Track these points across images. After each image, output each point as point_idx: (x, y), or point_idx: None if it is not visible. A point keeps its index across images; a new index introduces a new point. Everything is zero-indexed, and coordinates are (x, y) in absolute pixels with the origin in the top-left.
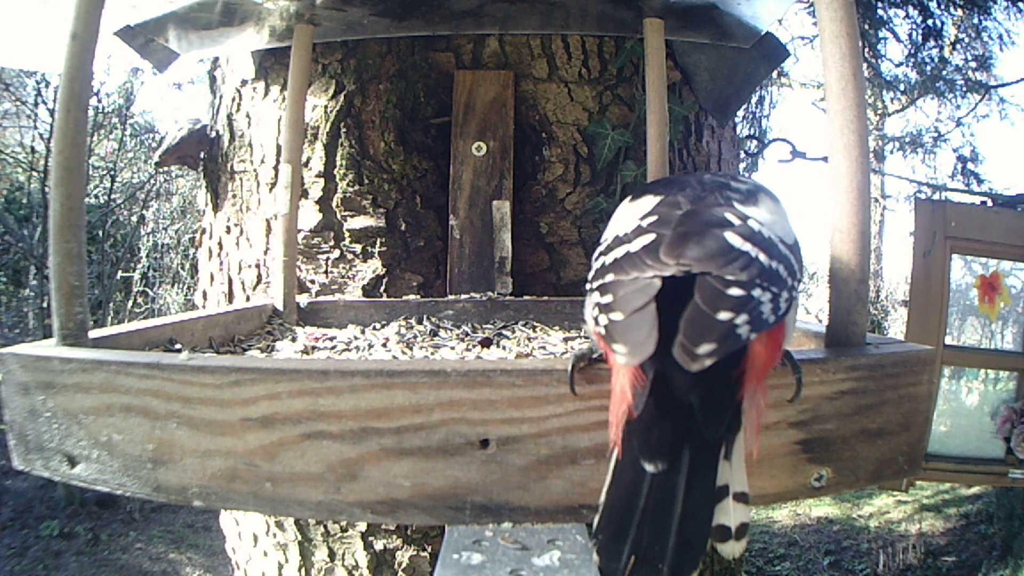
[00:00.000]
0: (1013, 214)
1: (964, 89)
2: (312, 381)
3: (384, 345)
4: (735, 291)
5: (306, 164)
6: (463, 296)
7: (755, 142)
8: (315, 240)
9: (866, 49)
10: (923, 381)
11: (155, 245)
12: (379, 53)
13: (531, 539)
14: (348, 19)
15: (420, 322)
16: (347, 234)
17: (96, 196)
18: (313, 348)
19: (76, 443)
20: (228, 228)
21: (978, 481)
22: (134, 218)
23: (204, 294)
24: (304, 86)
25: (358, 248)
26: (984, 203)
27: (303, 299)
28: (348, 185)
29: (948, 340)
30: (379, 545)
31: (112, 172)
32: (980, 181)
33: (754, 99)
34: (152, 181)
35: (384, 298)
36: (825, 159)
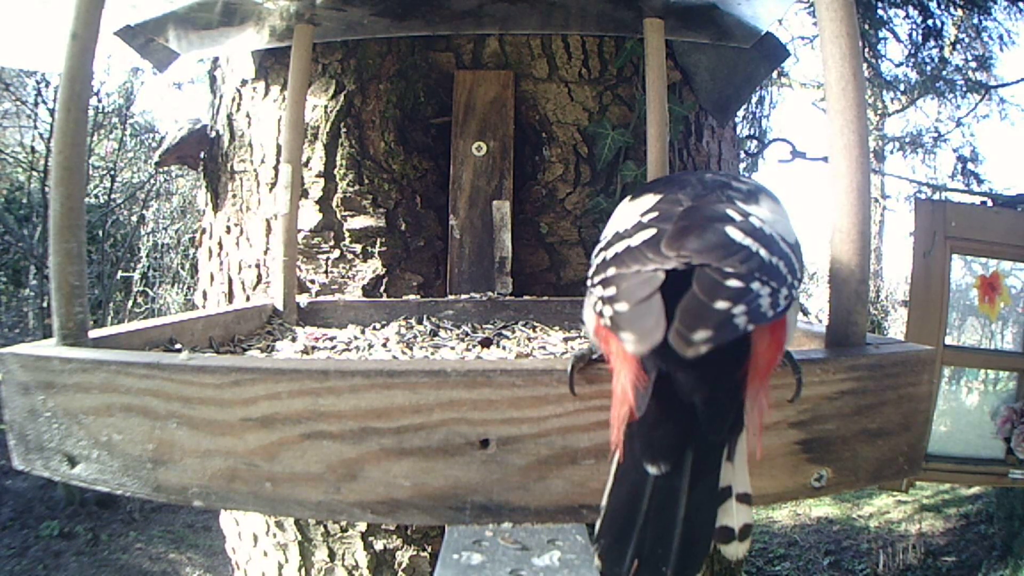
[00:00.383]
0: (1013, 214)
1: (964, 89)
2: (312, 381)
3: (384, 345)
4: (733, 283)
5: (306, 164)
6: (463, 296)
7: (755, 142)
8: (315, 240)
9: (866, 49)
10: (923, 381)
11: (155, 245)
12: (379, 53)
13: (531, 539)
14: (348, 19)
15: (420, 322)
16: (347, 234)
17: (96, 196)
18: (313, 348)
19: (76, 443)
20: (228, 228)
21: (978, 481)
22: (134, 218)
23: (204, 294)
24: (304, 86)
25: (358, 248)
26: (984, 203)
27: (303, 299)
28: (348, 185)
29: (948, 340)
30: (379, 545)
31: (112, 172)
32: (980, 181)
33: (754, 99)
34: (152, 181)
35: (384, 298)
36: (825, 159)
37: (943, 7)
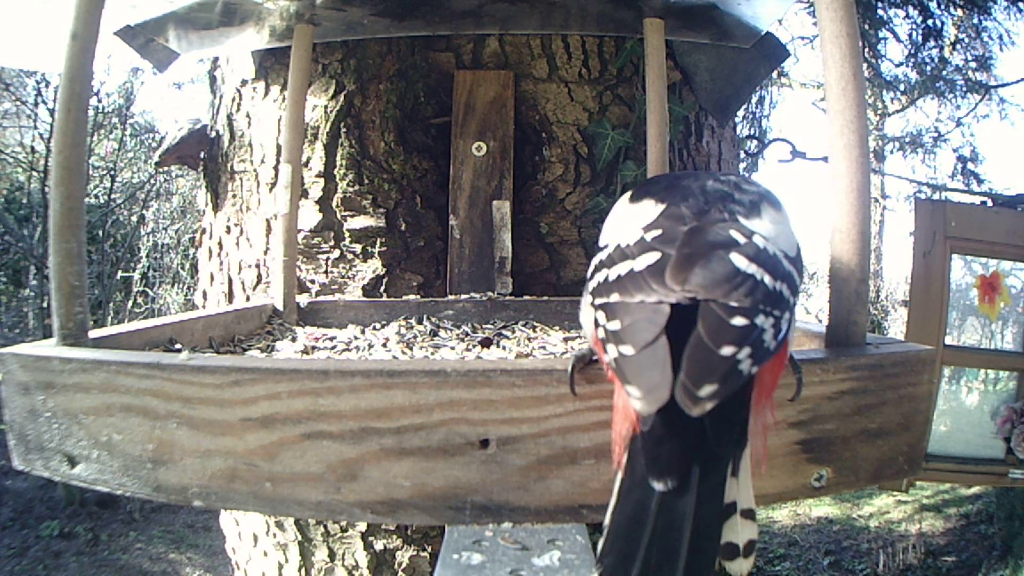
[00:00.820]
0: (1013, 214)
1: (964, 89)
2: (312, 381)
3: (384, 345)
4: (738, 320)
5: (306, 164)
6: (463, 296)
7: (755, 142)
8: (315, 240)
9: (866, 49)
10: (923, 381)
11: (155, 245)
12: (379, 53)
13: (531, 539)
14: (348, 19)
15: (420, 322)
16: (347, 234)
17: (96, 196)
18: (313, 348)
19: (76, 443)
20: (228, 228)
21: (978, 481)
22: (134, 218)
23: (204, 294)
24: (304, 86)
25: (358, 248)
26: (984, 203)
27: (303, 299)
28: (348, 185)
29: (948, 340)
30: (379, 545)
31: (112, 172)
32: (980, 181)
33: (754, 99)
34: (152, 181)
35: (384, 298)
36: (825, 159)
37: (943, 7)
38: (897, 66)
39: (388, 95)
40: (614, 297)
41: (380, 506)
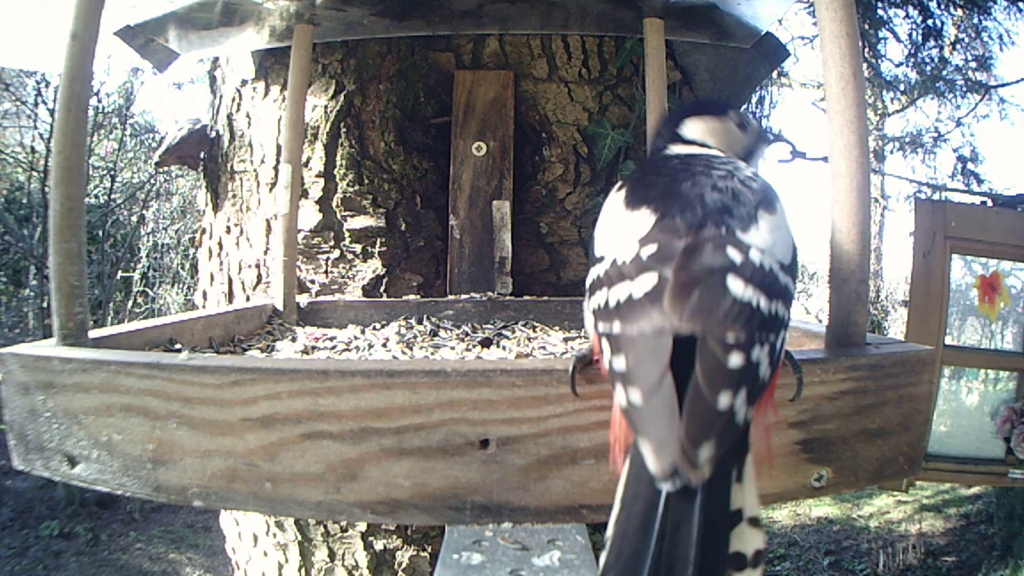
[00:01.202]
0: (1013, 214)
1: (964, 89)
2: (312, 381)
3: (384, 345)
4: (735, 361)
5: (306, 164)
6: (463, 296)
7: None
8: (315, 240)
9: (866, 49)
10: (923, 381)
11: (155, 245)
12: (379, 53)
13: (531, 539)
14: (348, 19)
15: (420, 322)
16: (347, 234)
17: (96, 196)
18: (313, 348)
19: (76, 443)
20: (228, 228)
21: (978, 481)
22: (134, 218)
23: (204, 294)
24: (304, 86)
25: (358, 248)
26: (984, 203)
27: (303, 299)
28: (348, 185)
29: (948, 340)
30: (379, 545)
31: (112, 172)
32: (980, 181)
33: (754, 99)
34: (152, 181)
35: (384, 298)
36: (825, 159)
37: (943, 7)
38: (897, 66)
39: (388, 95)
40: (617, 327)
41: (380, 506)
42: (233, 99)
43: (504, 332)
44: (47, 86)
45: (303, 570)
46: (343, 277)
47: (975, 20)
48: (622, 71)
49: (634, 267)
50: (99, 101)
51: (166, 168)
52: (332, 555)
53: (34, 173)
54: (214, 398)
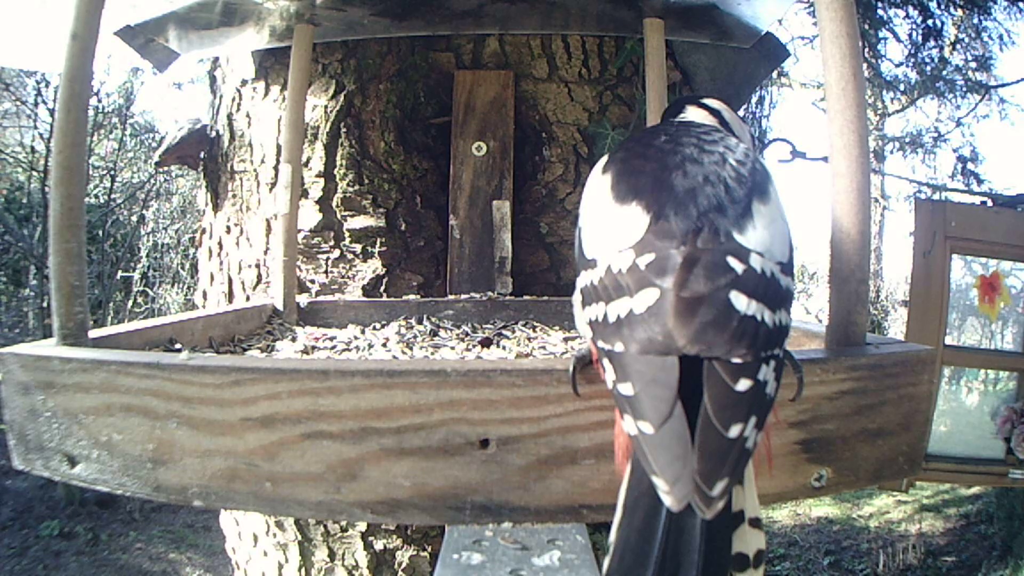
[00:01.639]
0: (1013, 214)
1: (964, 89)
2: (312, 381)
3: (384, 345)
4: (743, 384)
5: (306, 164)
6: (463, 296)
7: (755, 142)
8: (315, 240)
9: (866, 49)
10: (923, 381)
11: (155, 245)
12: (379, 53)
13: (531, 539)
14: (348, 19)
15: (420, 322)
16: (347, 234)
17: (96, 196)
18: (313, 348)
19: (76, 443)
20: (228, 228)
21: (978, 481)
22: (134, 218)
23: (204, 294)
24: (304, 86)
25: (358, 248)
26: (984, 203)
27: (303, 299)
28: (348, 185)
29: (948, 340)
30: (379, 545)
31: (112, 172)
32: (980, 181)
33: (754, 99)
34: (152, 181)
35: (384, 298)
36: (825, 159)
37: (943, 7)
38: (897, 66)
39: (388, 95)
40: (619, 346)
41: (380, 506)
42: (233, 99)
43: (504, 332)
44: (47, 86)
45: (303, 570)
46: (343, 277)
47: (975, 20)
48: (622, 71)
49: (632, 279)
50: (99, 101)
51: (166, 168)
52: (332, 555)
53: (34, 173)
54: (214, 398)
